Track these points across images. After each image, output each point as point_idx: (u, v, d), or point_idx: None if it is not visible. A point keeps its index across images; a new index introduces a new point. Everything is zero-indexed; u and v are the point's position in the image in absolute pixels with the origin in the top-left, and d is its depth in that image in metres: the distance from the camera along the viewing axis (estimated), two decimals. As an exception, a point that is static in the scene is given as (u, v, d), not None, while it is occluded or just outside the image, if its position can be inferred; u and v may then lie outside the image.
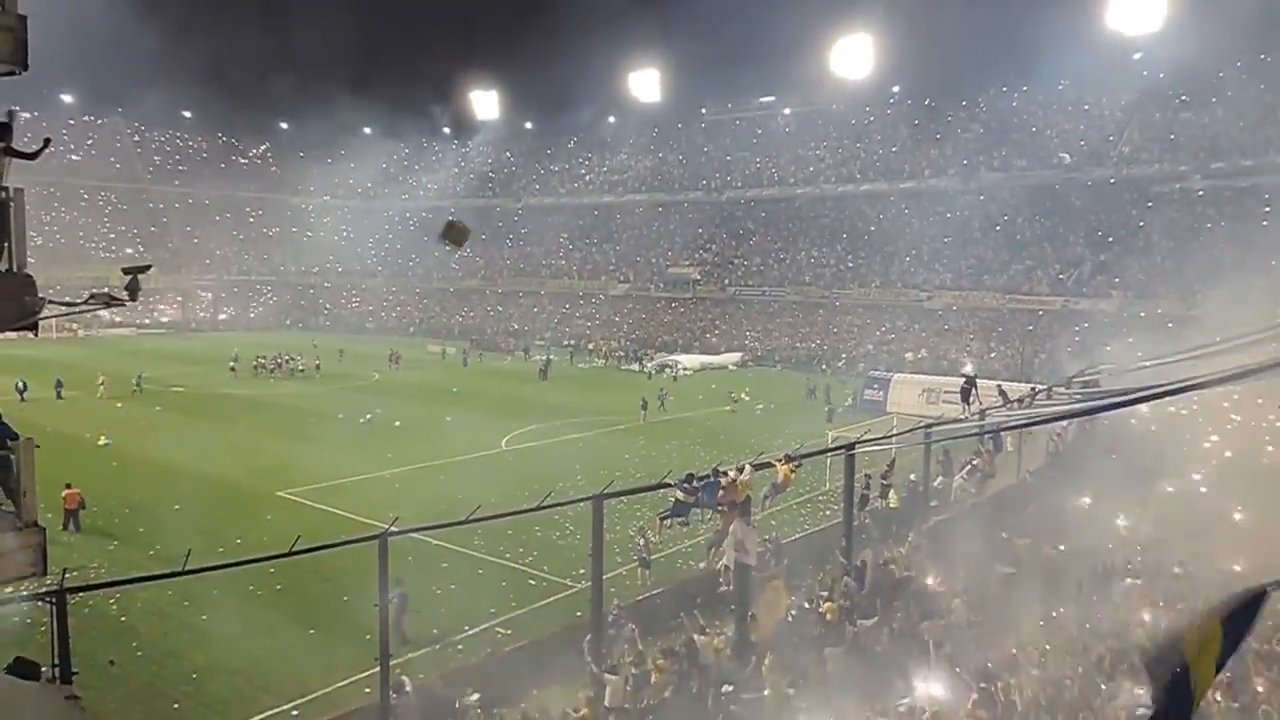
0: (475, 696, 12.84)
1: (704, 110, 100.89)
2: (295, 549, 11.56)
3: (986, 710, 10.80)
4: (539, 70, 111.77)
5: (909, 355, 59.96)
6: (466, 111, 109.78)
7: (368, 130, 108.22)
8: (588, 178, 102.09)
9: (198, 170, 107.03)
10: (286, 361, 54.97)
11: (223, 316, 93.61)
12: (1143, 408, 21.04)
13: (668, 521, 14.35)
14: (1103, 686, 11.32)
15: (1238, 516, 18.23)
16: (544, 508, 14.17)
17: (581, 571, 18.18)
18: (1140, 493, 20.36)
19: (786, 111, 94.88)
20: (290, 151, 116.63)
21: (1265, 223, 53.53)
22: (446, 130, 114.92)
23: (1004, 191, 71.54)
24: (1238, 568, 14.78)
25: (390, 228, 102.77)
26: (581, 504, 14.85)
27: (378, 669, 12.46)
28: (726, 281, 79.90)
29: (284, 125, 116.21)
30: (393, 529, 12.51)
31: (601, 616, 14.63)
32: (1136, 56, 71.36)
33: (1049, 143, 72.82)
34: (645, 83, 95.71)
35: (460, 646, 16.21)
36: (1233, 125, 62.59)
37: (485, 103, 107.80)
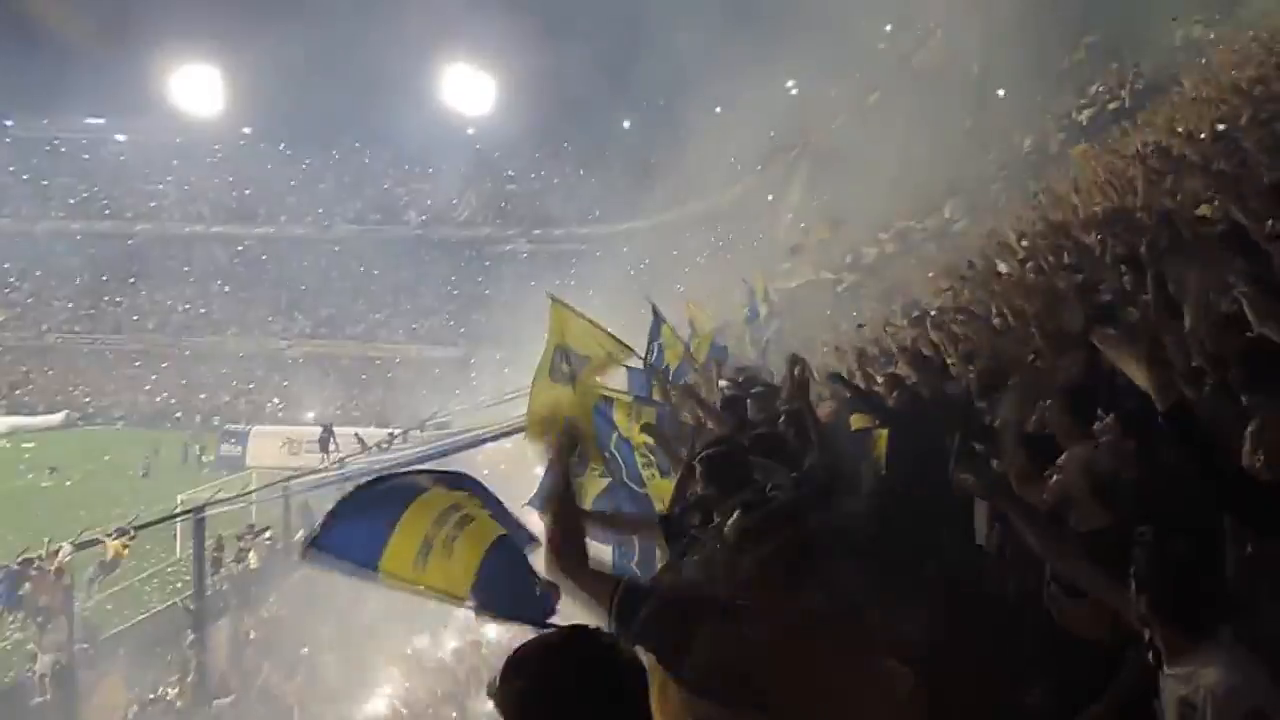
0: None
1: (10, 124, 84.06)
2: None
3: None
4: None
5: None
6: None
7: None
8: None
9: None
10: None
11: None
12: (488, 447, 23.34)
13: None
14: (466, 703, 12.10)
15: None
16: None
17: None
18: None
19: (120, 138, 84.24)
20: None
21: (573, 282, 64.70)
22: None
23: (360, 244, 73.88)
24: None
25: None
26: None
27: None
28: (45, 327, 67.63)
29: None
30: None
31: None
32: (471, 131, 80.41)
33: (400, 200, 77.60)
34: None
35: None
36: (549, 198, 74.56)
37: None
